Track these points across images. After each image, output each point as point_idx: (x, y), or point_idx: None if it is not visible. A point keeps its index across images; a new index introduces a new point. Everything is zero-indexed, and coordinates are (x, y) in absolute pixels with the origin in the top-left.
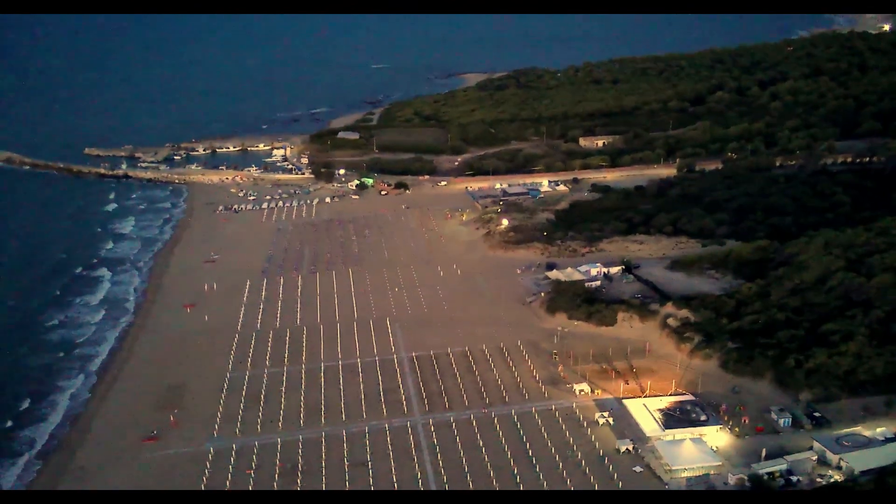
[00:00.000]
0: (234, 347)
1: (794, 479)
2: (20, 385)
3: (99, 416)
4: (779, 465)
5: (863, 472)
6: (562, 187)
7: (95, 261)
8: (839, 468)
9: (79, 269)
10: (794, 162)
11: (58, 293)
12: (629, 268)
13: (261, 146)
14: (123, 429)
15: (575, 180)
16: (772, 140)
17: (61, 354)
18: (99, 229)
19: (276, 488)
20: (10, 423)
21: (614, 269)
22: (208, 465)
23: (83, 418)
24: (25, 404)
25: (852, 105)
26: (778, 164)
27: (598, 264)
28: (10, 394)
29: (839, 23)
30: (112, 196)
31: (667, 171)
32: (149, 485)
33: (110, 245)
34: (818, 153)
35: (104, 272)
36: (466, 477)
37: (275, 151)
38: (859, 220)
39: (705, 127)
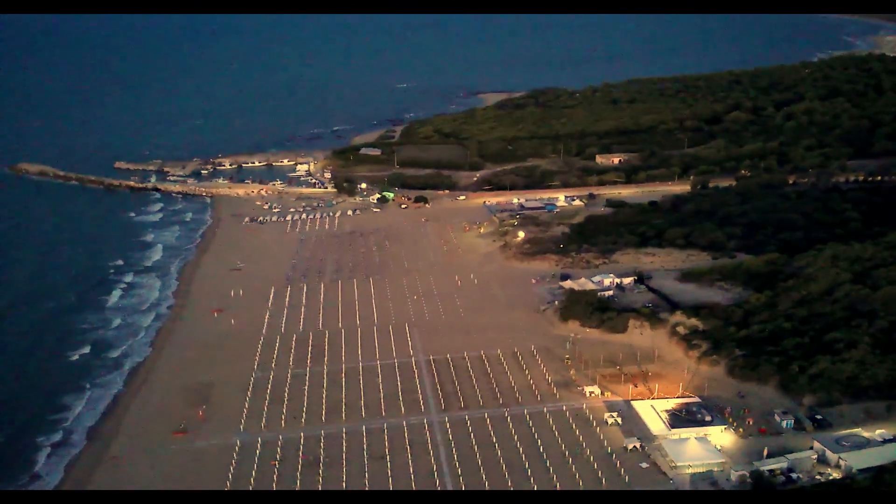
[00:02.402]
0: (259, 349)
1: (795, 476)
2: (59, 381)
3: (131, 411)
4: (780, 464)
5: (861, 471)
6: (577, 202)
7: (128, 268)
8: (838, 467)
9: (113, 276)
10: (806, 179)
11: (94, 297)
12: (641, 279)
13: (285, 161)
14: (154, 422)
15: (591, 196)
16: (785, 159)
17: (96, 354)
18: (130, 239)
19: (299, 479)
20: (49, 416)
21: (627, 280)
22: (235, 457)
23: (116, 413)
24: (64, 399)
25: (867, 125)
26: (791, 181)
27: (611, 275)
28: (50, 389)
29: (859, 46)
30: (142, 207)
31: (681, 188)
32: (178, 474)
33: (141, 253)
34: (830, 171)
35: (137, 279)
36: (480, 470)
37: (299, 166)
38: (868, 235)
39: (720, 145)
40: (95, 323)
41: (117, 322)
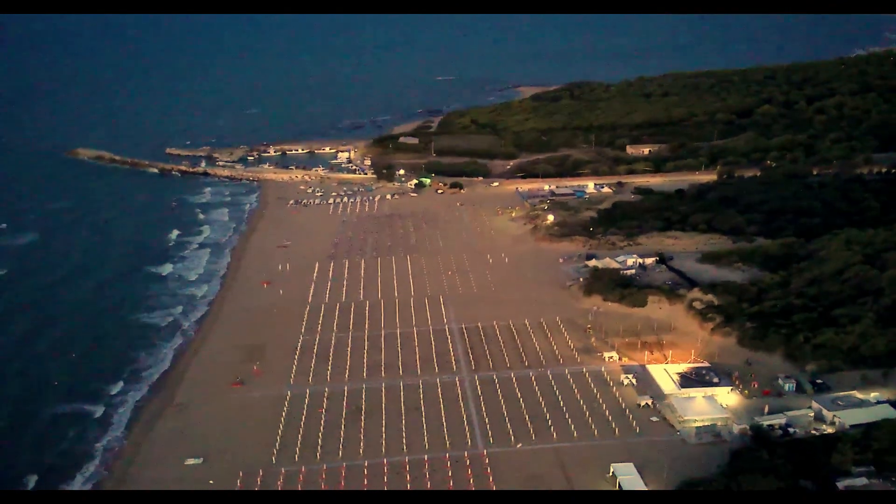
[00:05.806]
0: (305, 316)
1: (792, 430)
2: (129, 341)
3: (193, 366)
4: (779, 420)
5: (853, 426)
6: (606, 189)
7: (186, 243)
8: (833, 423)
9: (173, 251)
10: (829, 170)
11: (157, 270)
12: (662, 259)
13: (327, 149)
14: (214, 376)
15: (619, 184)
16: (812, 151)
17: (160, 320)
18: (186, 218)
19: (343, 425)
20: (124, 368)
21: (649, 260)
22: (286, 405)
23: (180, 367)
24: (134, 355)
25: (895, 120)
26: (815, 172)
27: (634, 255)
28: (122, 348)
29: None
30: (195, 190)
31: (708, 178)
32: (237, 418)
33: (197, 230)
34: (854, 162)
35: (194, 253)
36: (505, 420)
37: (340, 154)
38: (885, 222)
39: (749, 137)
40: (160, 291)
41: (179, 291)
